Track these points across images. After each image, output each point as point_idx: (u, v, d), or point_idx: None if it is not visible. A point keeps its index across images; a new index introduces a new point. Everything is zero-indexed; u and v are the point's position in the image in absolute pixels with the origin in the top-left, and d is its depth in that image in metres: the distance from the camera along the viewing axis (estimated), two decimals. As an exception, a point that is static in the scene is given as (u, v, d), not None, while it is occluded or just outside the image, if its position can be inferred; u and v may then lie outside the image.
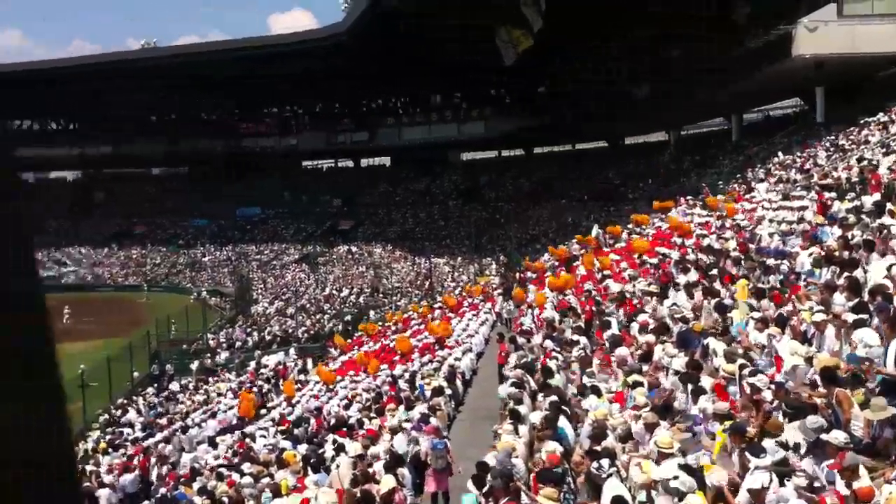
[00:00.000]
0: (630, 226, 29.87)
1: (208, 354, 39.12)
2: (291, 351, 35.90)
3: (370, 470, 12.25)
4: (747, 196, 25.80)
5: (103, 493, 17.61)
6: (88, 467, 21.02)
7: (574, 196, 59.72)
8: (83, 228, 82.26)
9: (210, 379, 34.21)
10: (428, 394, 16.70)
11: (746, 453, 7.96)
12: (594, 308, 17.84)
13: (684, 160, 53.46)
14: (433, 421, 14.09)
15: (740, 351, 10.85)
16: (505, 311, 26.99)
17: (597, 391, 12.07)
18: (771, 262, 14.47)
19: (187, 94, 75.61)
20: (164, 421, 26.15)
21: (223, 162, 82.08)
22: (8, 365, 0.58)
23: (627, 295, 16.99)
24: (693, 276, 15.57)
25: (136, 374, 35.49)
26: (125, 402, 31.30)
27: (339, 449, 14.45)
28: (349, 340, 36.43)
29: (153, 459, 20.21)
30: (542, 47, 49.57)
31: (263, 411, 24.95)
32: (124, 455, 21.36)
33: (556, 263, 29.25)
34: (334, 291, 55.10)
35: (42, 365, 0.60)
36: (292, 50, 65.69)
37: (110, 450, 23.16)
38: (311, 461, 14.21)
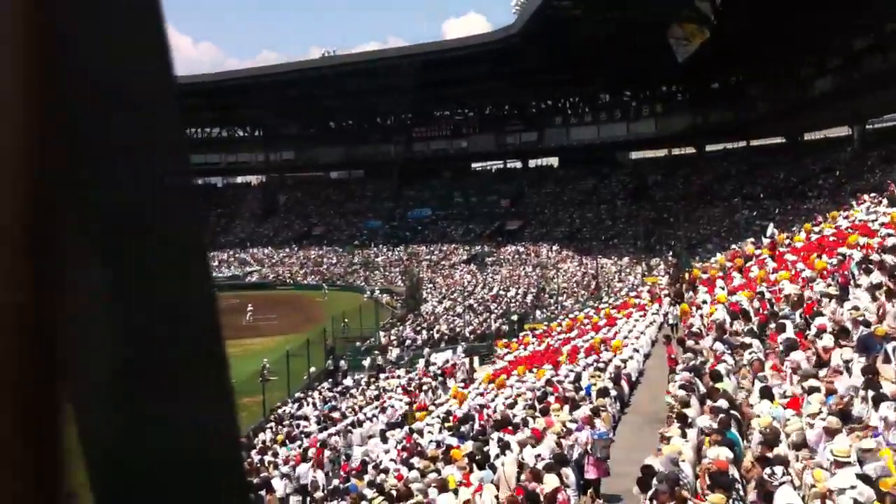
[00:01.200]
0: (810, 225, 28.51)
1: (378, 352, 40.32)
2: (459, 349, 36.45)
3: (537, 468, 12.36)
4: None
5: (279, 483, 18.55)
6: (266, 458, 22.21)
7: (748, 194, 57.44)
8: (266, 230, 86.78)
9: (381, 375, 35.26)
10: (594, 395, 16.60)
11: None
12: (768, 310, 17.18)
13: (868, 156, 50.31)
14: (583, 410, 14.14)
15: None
16: (671, 317, 26.29)
17: (770, 396, 11.66)
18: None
19: (365, 100, 78.32)
20: (337, 415, 27.19)
21: (397, 165, 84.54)
22: (185, 368, 0.62)
23: (804, 297, 16.26)
24: (877, 277, 14.72)
25: (312, 369, 36.98)
26: (302, 396, 32.69)
27: (504, 447, 14.62)
28: (515, 339, 36.66)
29: (327, 452, 21.08)
30: (716, 42, 48.03)
31: (432, 407, 25.47)
32: (300, 447, 22.37)
33: (729, 265, 28.35)
34: (501, 291, 55.48)
35: (215, 367, 0.64)
36: (466, 54, 66.95)
37: (287, 441, 24.28)
38: (477, 458, 14.44)
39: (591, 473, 12.96)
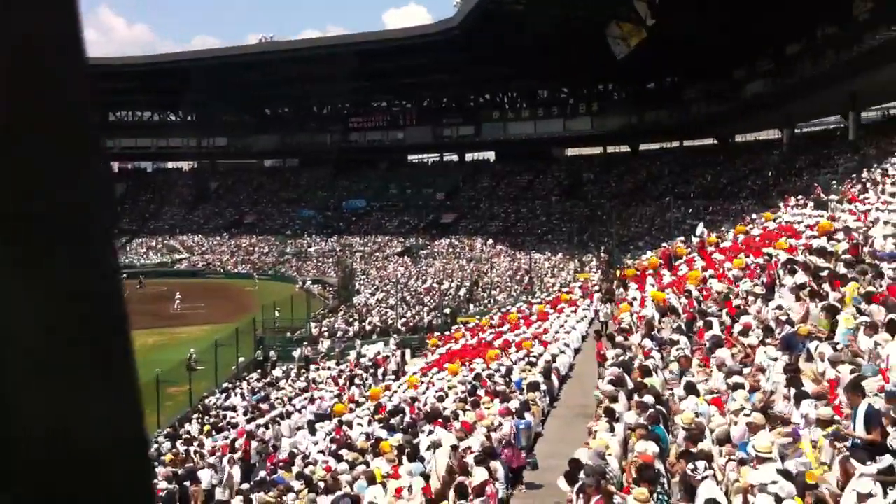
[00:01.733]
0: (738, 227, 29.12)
1: (309, 343, 39.96)
2: (391, 342, 36.34)
3: (465, 461, 12.35)
4: (861, 197, 24.79)
5: (205, 475, 18.23)
6: (192, 448, 21.82)
7: (679, 194, 58.52)
8: (197, 217, 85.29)
9: (311, 367, 34.95)
10: (524, 389, 16.68)
11: (852, 460, 7.69)
12: (695, 308, 17.49)
13: (797, 159, 51.66)
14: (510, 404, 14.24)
15: (847, 356, 10.46)
16: (602, 314, 26.54)
17: (695, 392, 11.84)
18: (885, 266, 13.87)
19: (302, 88, 77.49)
20: (265, 406, 26.85)
21: (333, 155, 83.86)
22: (87, 356, 0.60)
23: (731, 296, 16.59)
24: (801, 277, 15.07)
25: (241, 359, 36.51)
26: (230, 386, 32.23)
27: (435, 443, 14.58)
28: (447, 333, 36.70)
29: (254, 443, 20.79)
30: (653, 42, 48.71)
31: (361, 399, 25.34)
32: (227, 438, 22.03)
33: (660, 262, 28.83)
34: (434, 284, 55.53)
35: (119, 360, 0.61)
36: (406, 45, 66.78)
37: (214, 432, 23.90)
38: (407, 451, 14.38)
39: (512, 463, 13.04)
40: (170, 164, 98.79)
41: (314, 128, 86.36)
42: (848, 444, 8.23)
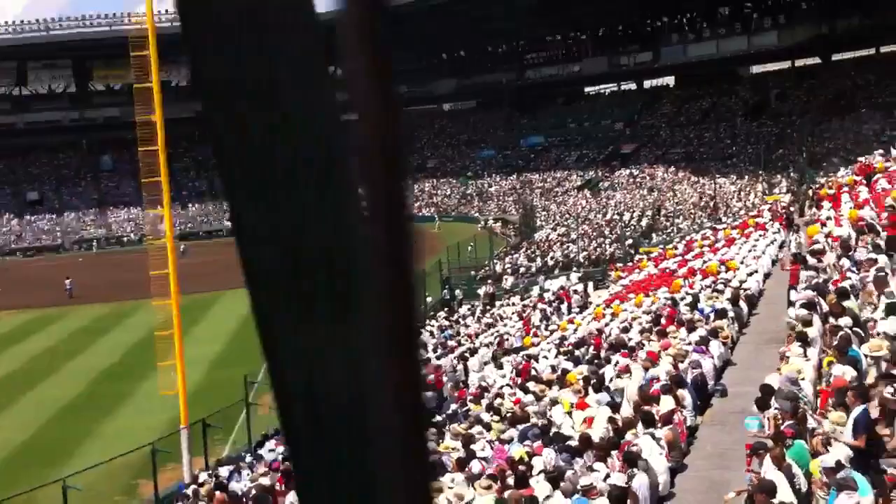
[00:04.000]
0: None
1: (493, 280, 40.51)
2: (573, 276, 36.27)
3: (651, 391, 12.28)
4: None
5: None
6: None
7: (878, 104, 54.25)
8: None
9: (496, 303, 35.50)
10: (711, 316, 16.28)
11: None
12: (896, 224, 16.32)
13: None
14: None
15: None
16: (793, 243, 25.08)
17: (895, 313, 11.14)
18: None
19: (475, 29, 77.21)
20: (454, 343, 27.60)
21: (509, 94, 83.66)
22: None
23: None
24: None
25: (429, 299, 37.55)
26: (421, 324, 33.31)
27: (623, 370, 14.55)
28: (630, 263, 36.19)
29: (445, 378, 21.49)
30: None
31: (546, 333, 25.55)
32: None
33: (857, 178, 27.02)
34: (615, 216, 54.69)
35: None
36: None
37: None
38: (592, 381, 14.44)
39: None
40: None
41: (490, 67, 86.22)
42: None
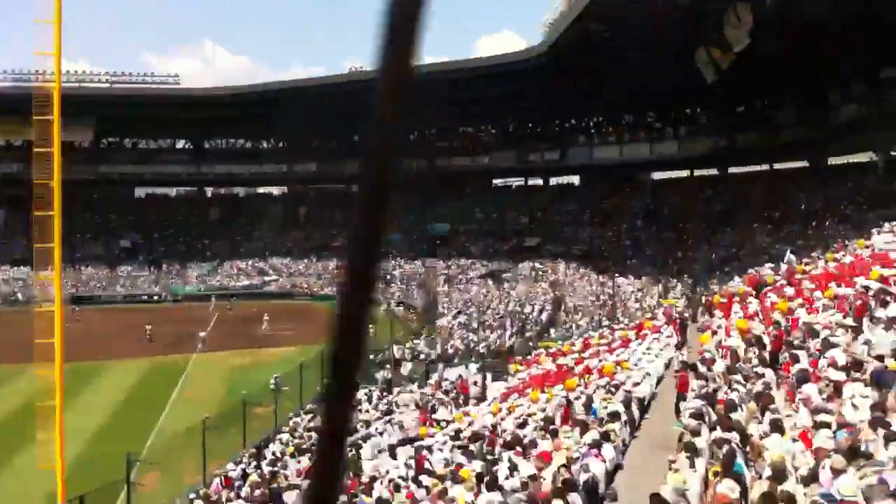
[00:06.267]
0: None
1: (391, 365, 40.26)
2: (472, 366, 36.38)
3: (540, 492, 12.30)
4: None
5: (290, 496, 18.54)
6: (278, 470, 22.24)
7: (769, 218, 57.06)
8: (287, 240, 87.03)
9: (394, 389, 35.21)
10: (604, 418, 16.51)
11: None
12: (784, 339, 17.03)
13: (893, 183, 49.83)
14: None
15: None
16: (684, 350, 25.73)
17: (780, 429, 11.54)
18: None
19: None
20: (348, 428, 27.11)
21: (418, 180, 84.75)
22: None
23: (818, 327, 16.10)
24: (894, 310, 14.56)
25: (325, 380, 36.93)
26: (314, 407, 32.72)
27: (513, 468, 14.58)
28: (529, 356, 36.54)
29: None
30: (743, 66, 47.83)
31: (442, 424, 25.42)
32: (310, 460, 22.35)
33: (748, 289, 28.16)
34: (517, 307, 55.40)
35: None
36: (493, 72, 67.46)
37: (297, 454, 24.30)
38: (486, 479, 14.39)
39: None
40: (261, 190, 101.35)
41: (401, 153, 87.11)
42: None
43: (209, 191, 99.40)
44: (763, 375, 14.47)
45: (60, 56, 22.65)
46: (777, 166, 68.54)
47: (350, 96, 62.99)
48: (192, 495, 22.20)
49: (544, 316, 52.00)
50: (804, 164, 65.72)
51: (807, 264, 28.27)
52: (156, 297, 77.30)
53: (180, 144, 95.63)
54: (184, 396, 36.75)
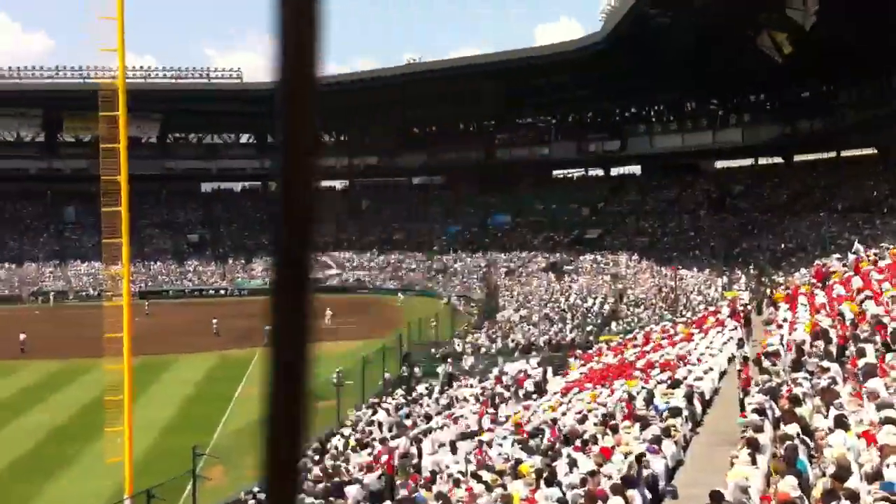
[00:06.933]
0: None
1: (452, 359, 40.34)
2: (533, 360, 36.28)
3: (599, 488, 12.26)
4: None
5: (351, 490, 18.75)
6: (339, 464, 22.50)
7: (836, 207, 55.68)
8: (349, 234, 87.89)
9: (454, 383, 35.32)
10: (665, 413, 16.37)
11: None
12: (849, 332, 16.67)
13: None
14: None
15: None
16: (748, 344, 25.31)
17: (845, 425, 11.32)
18: None
19: (448, 106, 78.61)
20: (409, 422, 27.35)
21: (478, 171, 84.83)
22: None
23: (887, 320, 15.72)
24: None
25: (387, 375, 37.30)
26: (376, 402, 32.94)
27: (572, 464, 14.55)
28: (590, 350, 36.35)
29: (396, 462, 21.24)
30: (807, 49, 46.78)
31: (502, 418, 25.44)
32: (371, 454, 22.59)
33: (813, 281, 27.60)
34: (578, 300, 55.08)
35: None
36: (550, 61, 67.02)
37: (359, 448, 24.54)
38: (545, 475, 14.38)
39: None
40: (323, 183, 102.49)
41: (460, 145, 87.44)
42: None
43: (273, 185, 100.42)
44: (829, 370, 14.18)
45: (124, 52, 23.22)
46: (844, 153, 66.87)
47: (408, 88, 63.25)
48: (256, 489, 22.61)
49: (605, 309, 51.63)
50: (872, 151, 64.02)
51: (875, 254, 27.55)
52: (222, 292, 78.85)
53: (244, 139, 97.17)
54: (249, 390, 37.40)
